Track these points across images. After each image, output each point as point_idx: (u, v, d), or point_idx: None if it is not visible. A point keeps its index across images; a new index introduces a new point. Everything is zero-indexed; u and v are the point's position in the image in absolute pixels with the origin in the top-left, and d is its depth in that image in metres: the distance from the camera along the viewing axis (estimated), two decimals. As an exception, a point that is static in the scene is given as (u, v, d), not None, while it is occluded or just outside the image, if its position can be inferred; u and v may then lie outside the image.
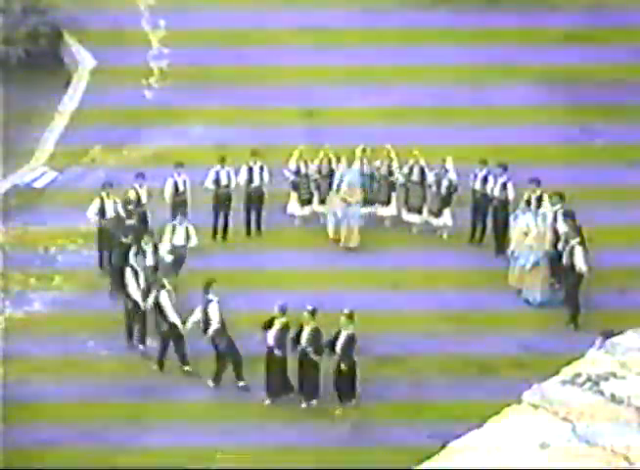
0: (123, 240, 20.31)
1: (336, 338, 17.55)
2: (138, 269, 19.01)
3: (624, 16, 29.33)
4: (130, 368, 18.54)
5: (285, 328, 17.72)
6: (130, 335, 19.19)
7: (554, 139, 24.76)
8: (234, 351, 18.10)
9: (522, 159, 22.64)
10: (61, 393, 17.73)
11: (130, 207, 21.07)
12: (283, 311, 17.71)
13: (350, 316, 17.54)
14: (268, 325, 17.69)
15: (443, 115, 25.48)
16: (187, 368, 18.50)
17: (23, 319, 20.04)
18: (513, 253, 20.52)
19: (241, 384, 18.14)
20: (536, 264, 20.07)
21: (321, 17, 29.37)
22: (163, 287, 18.38)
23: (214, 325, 17.94)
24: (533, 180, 20.88)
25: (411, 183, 22.19)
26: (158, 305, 18.41)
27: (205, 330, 18.04)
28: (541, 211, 20.42)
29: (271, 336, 17.72)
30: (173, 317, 18.28)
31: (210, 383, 18.25)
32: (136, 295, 18.83)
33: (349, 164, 22.37)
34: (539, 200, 20.67)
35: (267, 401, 17.90)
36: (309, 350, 17.52)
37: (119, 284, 19.47)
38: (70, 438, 16.83)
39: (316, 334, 17.54)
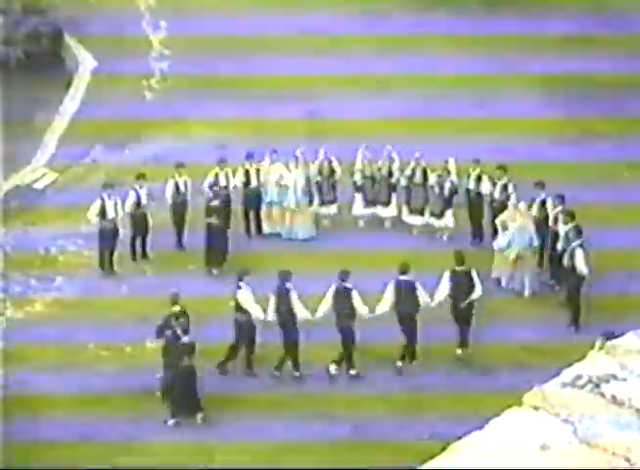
0: (208, 221, 20.90)
1: None
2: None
3: (624, 20, 29.33)
4: (130, 368, 18.53)
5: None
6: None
7: (554, 144, 24.76)
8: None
9: (521, 162, 22.66)
10: (61, 393, 17.75)
11: (215, 188, 21.41)
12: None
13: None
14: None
15: (443, 119, 25.47)
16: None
17: (24, 320, 20.06)
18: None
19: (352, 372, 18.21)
20: (507, 247, 20.20)
21: (321, 21, 29.38)
22: (240, 286, 18.16)
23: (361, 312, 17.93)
24: (538, 184, 20.93)
25: (413, 185, 22.24)
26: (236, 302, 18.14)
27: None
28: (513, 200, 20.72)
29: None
30: (256, 311, 18.03)
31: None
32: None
33: (350, 164, 22.55)
34: (543, 203, 20.74)
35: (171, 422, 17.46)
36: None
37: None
38: (70, 438, 16.83)
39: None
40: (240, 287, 18.02)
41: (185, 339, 17.22)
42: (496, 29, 28.35)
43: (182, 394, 17.33)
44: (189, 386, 17.33)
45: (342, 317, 18.04)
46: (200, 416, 17.38)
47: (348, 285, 18.02)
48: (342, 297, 17.99)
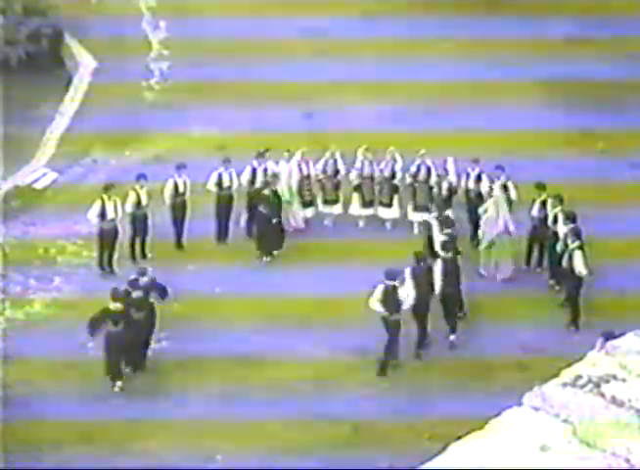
0: (260, 208, 21.41)
1: None
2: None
3: (624, 22, 29.29)
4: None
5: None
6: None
7: (554, 143, 24.73)
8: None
9: (521, 161, 22.66)
10: (61, 393, 17.75)
11: (268, 178, 21.77)
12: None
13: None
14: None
15: (442, 117, 25.46)
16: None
17: (24, 320, 20.06)
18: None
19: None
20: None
21: (321, 24, 29.35)
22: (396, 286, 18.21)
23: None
24: (539, 185, 20.93)
25: (418, 182, 22.23)
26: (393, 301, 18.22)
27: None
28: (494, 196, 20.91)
29: None
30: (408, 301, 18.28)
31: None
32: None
33: (350, 164, 22.55)
34: (544, 203, 20.75)
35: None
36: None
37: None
38: (70, 438, 16.84)
39: None
40: (396, 286, 18.08)
41: (113, 305, 17.90)
42: (496, 32, 28.35)
43: (106, 359, 18.11)
44: (109, 351, 18.03)
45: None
46: (118, 384, 18.00)
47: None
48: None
